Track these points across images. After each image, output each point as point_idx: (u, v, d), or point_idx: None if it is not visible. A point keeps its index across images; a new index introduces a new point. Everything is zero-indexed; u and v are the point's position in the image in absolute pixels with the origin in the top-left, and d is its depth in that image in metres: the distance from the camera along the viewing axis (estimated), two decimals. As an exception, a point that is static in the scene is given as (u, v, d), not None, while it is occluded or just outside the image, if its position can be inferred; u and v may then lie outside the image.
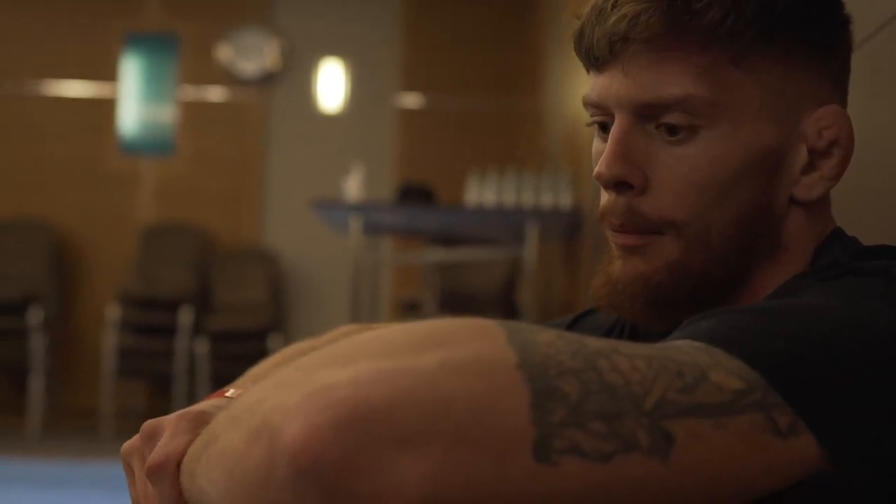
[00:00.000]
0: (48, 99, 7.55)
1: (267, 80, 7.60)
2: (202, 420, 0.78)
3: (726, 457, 0.63)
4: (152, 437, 0.80)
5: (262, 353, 6.27)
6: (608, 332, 1.02)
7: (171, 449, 0.76)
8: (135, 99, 7.61)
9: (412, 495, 0.58)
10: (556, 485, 0.60)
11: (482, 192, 5.21)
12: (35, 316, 6.78)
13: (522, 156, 7.14)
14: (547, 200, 5.14)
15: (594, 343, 0.65)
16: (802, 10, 0.84)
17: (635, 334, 0.98)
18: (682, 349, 0.67)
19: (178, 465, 0.75)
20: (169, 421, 0.80)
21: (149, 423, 0.81)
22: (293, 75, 7.63)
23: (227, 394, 0.90)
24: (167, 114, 7.61)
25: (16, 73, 7.54)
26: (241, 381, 0.99)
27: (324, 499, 0.58)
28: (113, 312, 6.88)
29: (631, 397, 0.62)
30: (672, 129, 0.84)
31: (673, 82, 0.83)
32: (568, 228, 5.30)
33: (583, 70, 0.92)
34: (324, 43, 7.63)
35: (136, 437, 0.82)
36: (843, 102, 0.88)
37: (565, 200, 5.13)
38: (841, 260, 0.83)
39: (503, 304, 6.00)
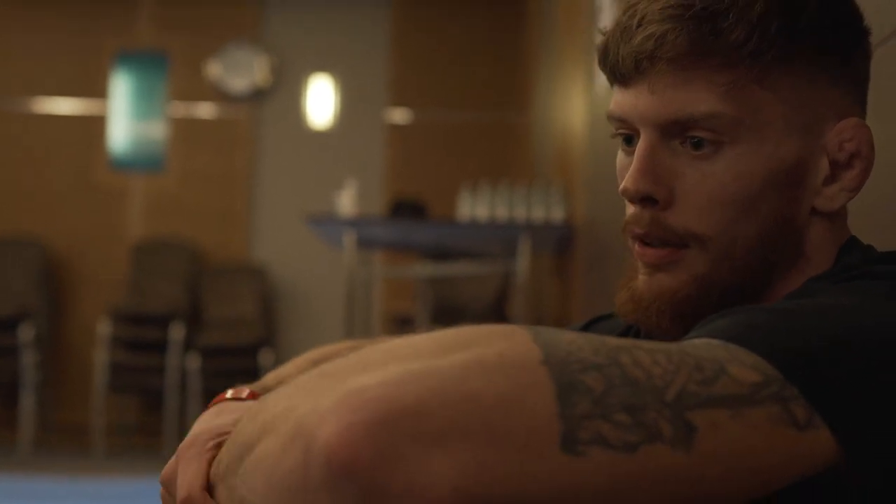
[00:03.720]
0: (39, 116, 7.56)
1: (256, 97, 7.62)
2: (202, 441, 0.81)
3: (746, 447, 0.65)
4: (171, 482, 0.82)
5: (252, 369, 6.28)
6: (622, 336, 1.03)
7: (188, 480, 0.78)
8: (125, 116, 7.62)
9: (444, 490, 0.59)
10: (584, 476, 0.62)
11: (474, 207, 5.24)
12: (26, 332, 6.77)
13: (513, 170, 7.17)
14: (538, 214, 5.16)
15: (614, 340, 0.67)
16: (825, 27, 0.86)
17: (650, 339, 1.02)
18: (700, 346, 0.69)
19: (203, 488, 0.77)
20: (176, 459, 0.82)
21: (163, 474, 0.83)
22: (283, 91, 7.65)
23: (227, 395, 0.92)
24: (157, 130, 7.63)
25: (6, 90, 7.54)
26: (254, 385, 1.00)
27: (359, 497, 0.60)
28: (104, 328, 6.88)
29: (653, 390, 0.64)
30: (697, 145, 0.85)
31: (698, 100, 0.84)
32: (560, 242, 5.32)
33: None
34: (313, 59, 7.66)
35: (161, 491, 0.84)
36: (862, 114, 0.90)
37: (557, 214, 5.15)
38: (855, 264, 0.85)
39: (495, 318, 6.02)
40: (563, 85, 5.30)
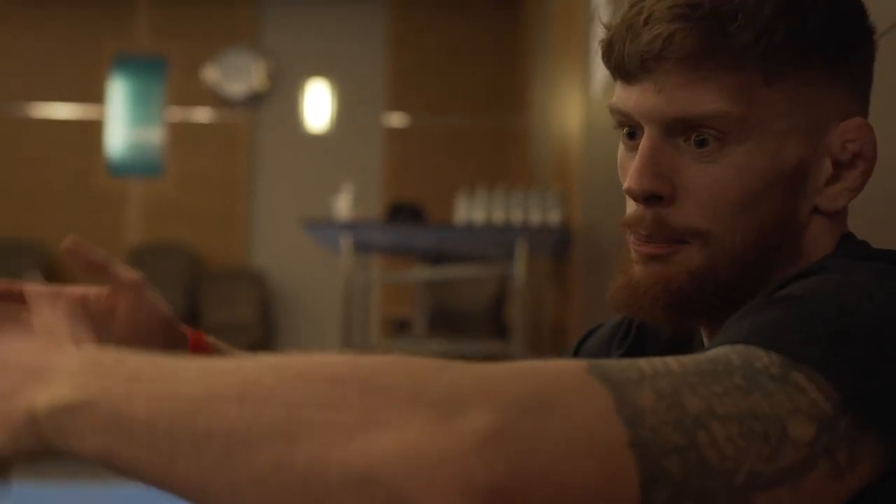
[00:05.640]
0: (37, 121, 7.57)
1: (254, 101, 7.64)
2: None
3: None
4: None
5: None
6: (611, 339, 1.04)
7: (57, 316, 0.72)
8: (123, 120, 7.63)
9: None
10: None
11: (472, 210, 5.25)
12: (25, 337, 6.78)
13: (511, 173, 7.19)
14: (536, 217, 5.17)
15: (691, 403, 0.66)
16: (832, 30, 0.86)
17: (642, 332, 1.02)
18: (765, 388, 0.68)
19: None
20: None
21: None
22: (280, 96, 7.67)
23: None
24: (155, 135, 7.64)
25: (5, 95, 7.56)
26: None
27: None
28: (102, 333, 6.88)
29: (724, 474, 0.64)
30: (701, 144, 0.85)
31: (705, 100, 0.84)
32: (557, 245, 5.33)
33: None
34: (310, 63, 7.67)
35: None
36: (865, 113, 0.90)
37: (554, 217, 5.16)
38: (870, 247, 0.85)
39: (493, 321, 6.03)
40: (560, 89, 5.31)
